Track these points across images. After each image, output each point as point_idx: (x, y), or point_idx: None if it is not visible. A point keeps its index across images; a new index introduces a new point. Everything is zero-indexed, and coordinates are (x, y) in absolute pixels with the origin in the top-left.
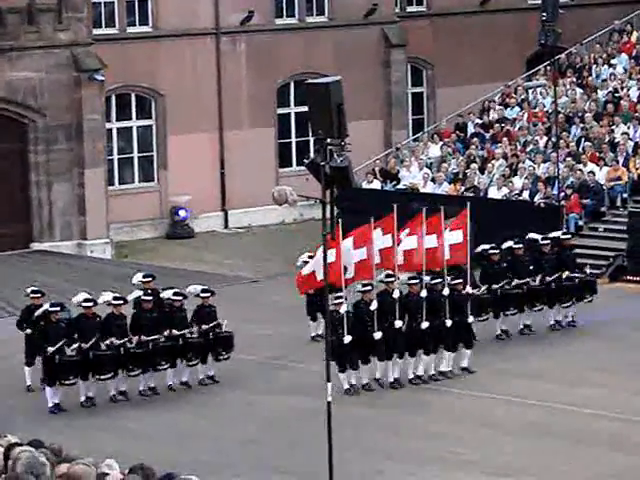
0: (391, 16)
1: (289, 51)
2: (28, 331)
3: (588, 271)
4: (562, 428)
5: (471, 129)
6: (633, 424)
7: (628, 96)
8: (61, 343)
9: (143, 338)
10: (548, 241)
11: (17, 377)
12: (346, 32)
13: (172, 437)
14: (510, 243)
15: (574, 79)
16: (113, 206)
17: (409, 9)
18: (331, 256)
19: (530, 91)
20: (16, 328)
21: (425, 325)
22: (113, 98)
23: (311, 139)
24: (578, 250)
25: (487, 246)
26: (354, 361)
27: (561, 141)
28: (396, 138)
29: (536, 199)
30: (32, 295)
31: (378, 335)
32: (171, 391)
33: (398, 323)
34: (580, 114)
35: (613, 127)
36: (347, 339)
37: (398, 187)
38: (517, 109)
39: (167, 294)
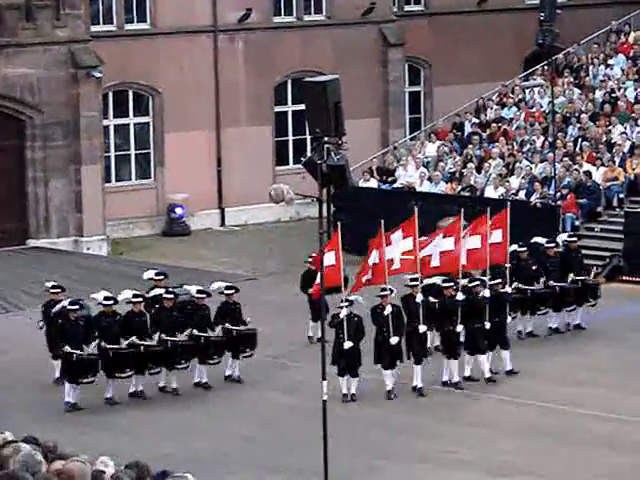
0: (389, 15)
1: (287, 49)
2: (45, 329)
3: (593, 273)
4: (558, 428)
5: (468, 128)
6: (630, 424)
7: (625, 96)
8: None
9: (163, 336)
10: (553, 244)
11: (13, 373)
12: (344, 31)
13: (168, 434)
14: (514, 247)
15: (571, 79)
16: (110, 203)
17: (407, 8)
18: (330, 259)
19: (527, 91)
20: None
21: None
22: (110, 95)
23: (308, 137)
24: None
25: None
26: (353, 368)
27: (558, 141)
28: (393, 137)
29: (533, 199)
30: (52, 290)
31: (394, 340)
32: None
33: (422, 328)
34: (577, 114)
35: (610, 127)
36: (347, 345)
37: (395, 186)
38: (514, 109)
39: (191, 291)
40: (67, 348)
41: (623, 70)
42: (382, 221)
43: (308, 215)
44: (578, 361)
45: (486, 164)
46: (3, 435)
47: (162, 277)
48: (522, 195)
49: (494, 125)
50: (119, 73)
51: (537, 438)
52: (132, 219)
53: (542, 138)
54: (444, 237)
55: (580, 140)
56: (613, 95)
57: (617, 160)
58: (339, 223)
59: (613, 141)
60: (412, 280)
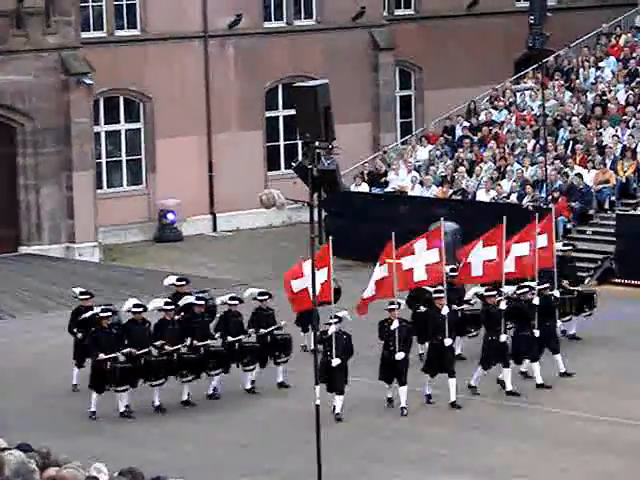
0: (379, 19)
1: (277, 54)
2: (79, 335)
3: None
4: (551, 431)
5: (459, 132)
6: (621, 427)
7: (616, 99)
8: (113, 355)
9: (195, 343)
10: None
11: (7, 380)
12: (334, 35)
13: (162, 440)
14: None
15: (562, 82)
16: (101, 209)
17: (397, 12)
18: (322, 275)
19: (518, 94)
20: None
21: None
22: (101, 101)
23: (299, 142)
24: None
25: (447, 268)
26: (340, 385)
27: (549, 144)
28: (384, 141)
29: (524, 202)
30: (81, 297)
31: (400, 356)
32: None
33: (448, 341)
34: (568, 117)
35: (601, 130)
36: (335, 362)
37: (386, 190)
38: (505, 112)
39: (223, 299)
40: (102, 356)
41: (614, 73)
42: (393, 234)
43: (300, 220)
44: (572, 365)
45: (477, 168)
46: None
47: (184, 283)
48: (514, 198)
49: (485, 128)
50: (110, 79)
51: (530, 441)
52: (124, 225)
53: (533, 141)
54: (484, 246)
55: (571, 143)
56: (604, 98)
57: (608, 163)
58: (330, 238)
59: (604, 144)
60: (437, 292)
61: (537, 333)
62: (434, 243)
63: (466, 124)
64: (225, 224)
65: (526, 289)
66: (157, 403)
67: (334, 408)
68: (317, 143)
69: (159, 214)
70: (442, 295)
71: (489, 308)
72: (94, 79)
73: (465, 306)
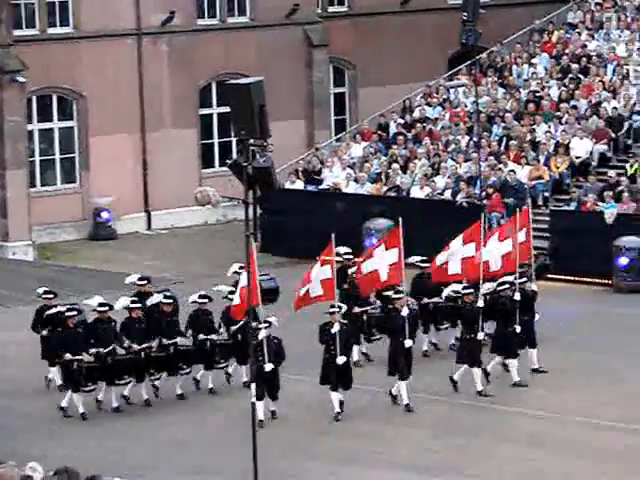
0: (313, 16)
1: (211, 52)
2: (44, 333)
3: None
4: (488, 427)
5: (393, 129)
6: (553, 422)
7: (549, 95)
8: (79, 357)
9: (164, 341)
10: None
11: None
12: (268, 32)
13: (99, 439)
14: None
15: (495, 79)
16: (35, 208)
17: (330, 9)
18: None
19: (452, 91)
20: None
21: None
22: (34, 99)
23: (233, 140)
24: None
25: (418, 258)
26: (273, 391)
27: (483, 140)
28: (318, 138)
29: (458, 198)
30: (44, 296)
31: (341, 360)
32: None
33: (408, 342)
34: (501, 114)
35: (534, 126)
36: (268, 367)
37: (321, 187)
38: (439, 109)
39: (192, 297)
40: (68, 356)
41: (547, 69)
42: (333, 235)
43: (235, 217)
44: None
45: (411, 164)
46: None
47: (145, 282)
48: (448, 195)
49: (419, 125)
50: (43, 77)
51: (466, 437)
52: (58, 224)
53: (467, 138)
54: (464, 244)
55: (505, 139)
56: (537, 94)
57: (542, 159)
58: (255, 242)
59: (538, 140)
60: (396, 292)
61: (518, 329)
62: (393, 244)
63: (400, 121)
64: (160, 222)
65: (506, 285)
66: (115, 404)
67: (273, 413)
68: (252, 140)
69: (93, 212)
70: (402, 296)
71: (466, 306)
72: (27, 77)
73: (436, 299)
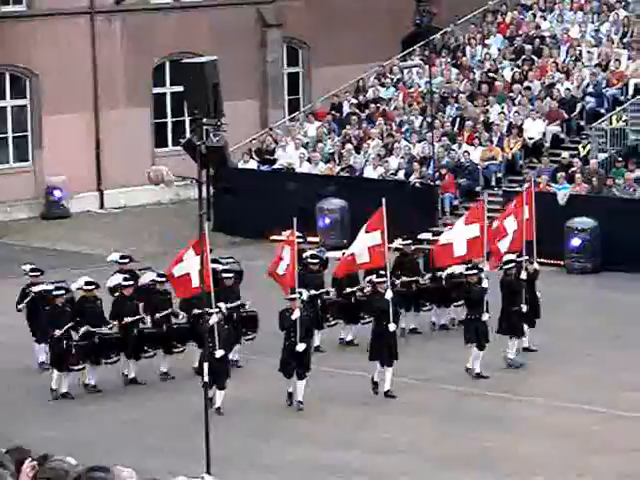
0: None
1: (164, 31)
2: (21, 307)
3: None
4: (435, 406)
5: (347, 109)
6: (510, 402)
7: (502, 76)
8: (68, 326)
9: (157, 317)
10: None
11: None
12: (222, 12)
13: (52, 418)
14: (399, 241)
15: (449, 59)
16: None
17: None
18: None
19: (405, 71)
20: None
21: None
22: None
23: (187, 119)
24: None
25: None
26: (223, 378)
27: (436, 121)
28: (272, 118)
29: (411, 179)
30: (31, 274)
31: (301, 347)
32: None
33: (392, 327)
34: (455, 94)
35: (488, 107)
36: (219, 353)
37: (274, 167)
38: (392, 89)
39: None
40: (57, 332)
41: (500, 50)
42: (295, 220)
43: (188, 197)
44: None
45: (365, 144)
46: None
47: (127, 260)
48: (401, 175)
49: (372, 105)
50: None
51: (420, 416)
52: (10, 202)
53: (420, 118)
54: (466, 224)
55: (458, 120)
56: (490, 75)
57: (495, 140)
58: (205, 229)
59: (491, 121)
60: (379, 276)
61: (525, 308)
62: (376, 226)
63: (354, 101)
64: (113, 201)
65: (512, 264)
66: (93, 382)
67: (213, 402)
68: (205, 120)
69: (46, 191)
70: (384, 280)
71: (471, 287)
72: None
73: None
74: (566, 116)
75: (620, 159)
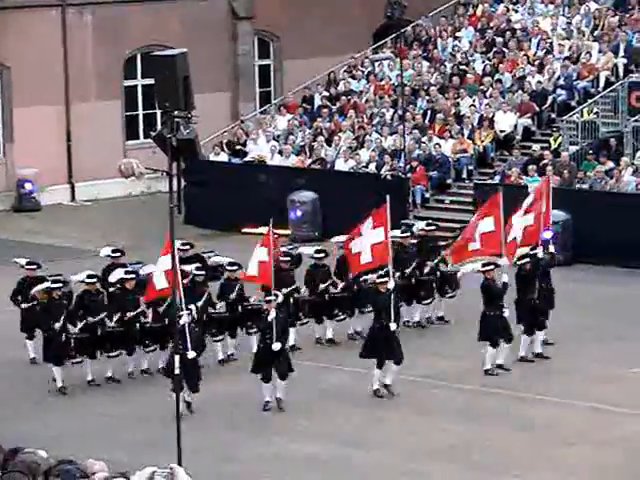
0: None
1: (136, 23)
2: (24, 306)
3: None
4: (408, 399)
5: (318, 101)
6: (483, 395)
7: (473, 69)
8: (62, 319)
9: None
10: (408, 233)
11: None
12: (192, 4)
13: (25, 410)
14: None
15: (420, 52)
16: None
17: None
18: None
19: (377, 64)
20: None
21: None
22: None
23: (158, 112)
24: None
25: (342, 237)
26: (195, 380)
27: (407, 114)
28: (243, 110)
29: (383, 171)
30: (27, 267)
31: (277, 346)
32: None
33: (393, 326)
34: (426, 87)
35: (459, 100)
36: (191, 355)
37: (245, 159)
38: (364, 82)
39: (189, 268)
40: (57, 325)
41: (471, 43)
42: (271, 220)
43: (159, 189)
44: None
45: (336, 137)
46: None
47: (119, 254)
48: (372, 168)
49: (344, 98)
50: None
51: (391, 409)
52: None
53: (391, 111)
54: (482, 218)
55: (429, 113)
56: (461, 67)
57: (466, 132)
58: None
59: (462, 113)
60: (380, 277)
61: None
62: (380, 222)
63: (325, 93)
64: (84, 194)
65: (527, 259)
66: (90, 378)
67: (188, 404)
68: (176, 112)
69: (17, 184)
70: (386, 279)
71: (489, 282)
72: None
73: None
74: (537, 109)
75: (591, 152)
